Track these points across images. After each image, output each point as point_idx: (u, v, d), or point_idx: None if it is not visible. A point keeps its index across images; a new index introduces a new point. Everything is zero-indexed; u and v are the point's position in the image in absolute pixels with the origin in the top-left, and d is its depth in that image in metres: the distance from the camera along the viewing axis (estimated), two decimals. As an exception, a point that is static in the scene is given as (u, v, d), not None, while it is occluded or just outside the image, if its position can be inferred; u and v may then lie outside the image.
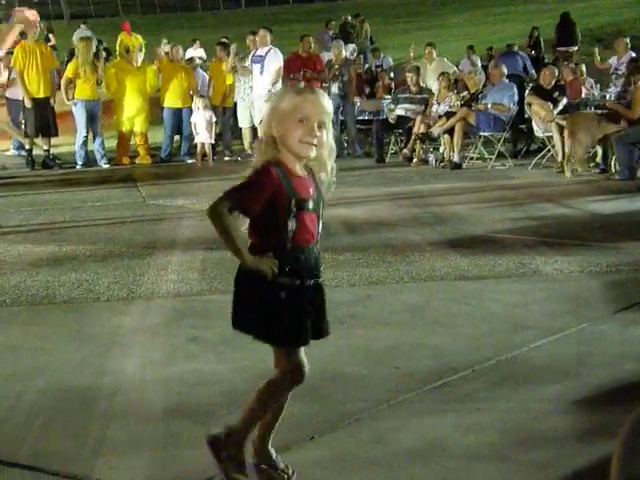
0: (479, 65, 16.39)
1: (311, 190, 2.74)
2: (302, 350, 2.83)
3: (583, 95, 12.72)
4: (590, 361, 4.02)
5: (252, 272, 2.69)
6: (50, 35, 22.48)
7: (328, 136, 2.72)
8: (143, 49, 13.28)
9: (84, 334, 4.69)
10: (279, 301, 2.71)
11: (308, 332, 2.78)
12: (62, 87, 12.82)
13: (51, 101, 12.81)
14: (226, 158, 13.39)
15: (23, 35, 12.63)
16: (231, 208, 2.72)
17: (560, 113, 11.31)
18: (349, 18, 21.75)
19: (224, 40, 14.54)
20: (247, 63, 12.79)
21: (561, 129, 11.00)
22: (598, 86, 13.66)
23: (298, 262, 2.72)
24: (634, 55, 14.25)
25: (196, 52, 19.31)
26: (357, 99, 13.69)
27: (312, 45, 13.56)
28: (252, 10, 40.18)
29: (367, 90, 14.73)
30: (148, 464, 3.08)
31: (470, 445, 3.13)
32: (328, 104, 2.74)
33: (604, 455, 2.98)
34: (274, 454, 2.93)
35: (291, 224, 2.68)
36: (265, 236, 2.73)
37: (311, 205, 2.72)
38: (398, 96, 13.19)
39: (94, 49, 12.96)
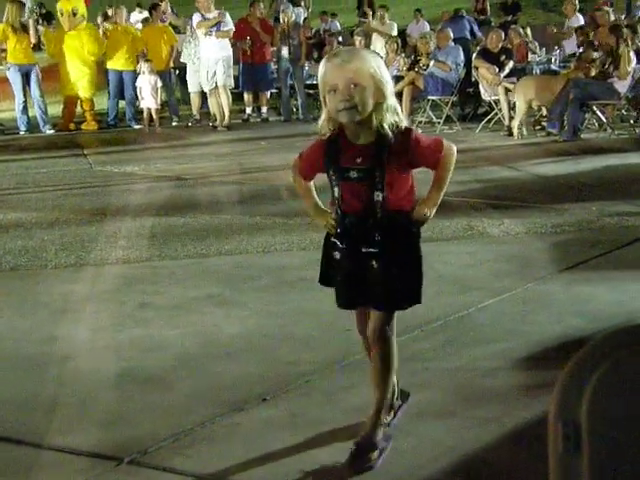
0: (427, 29, 16.41)
1: (359, 160, 2.69)
2: (359, 313, 2.92)
3: (529, 58, 12.84)
4: (535, 319, 4.12)
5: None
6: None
7: (368, 93, 2.62)
8: (79, 12, 12.94)
9: (32, 301, 4.65)
10: (332, 259, 2.84)
11: (349, 297, 2.84)
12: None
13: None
14: (174, 123, 13.26)
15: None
16: (299, 173, 2.91)
17: (507, 76, 11.41)
18: None
19: (159, 2, 14.28)
20: (194, 21, 12.54)
21: (508, 93, 11.11)
22: (544, 49, 13.78)
23: (345, 227, 2.77)
24: (581, 19, 14.39)
25: (140, 16, 18.98)
26: (306, 63, 13.64)
27: (262, 11, 13.45)
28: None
29: (315, 54, 14.68)
30: (100, 429, 3.09)
31: (418, 403, 3.19)
32: (360, 62, 2.64)
33: (546, 408, 3.07)
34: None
35: (336, 191, 2.77)
36: (330, 198, 2.85)
37: (354, 174, 2.70)
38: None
39: (26, 12, 12.62)
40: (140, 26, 14.98)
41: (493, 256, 5.32)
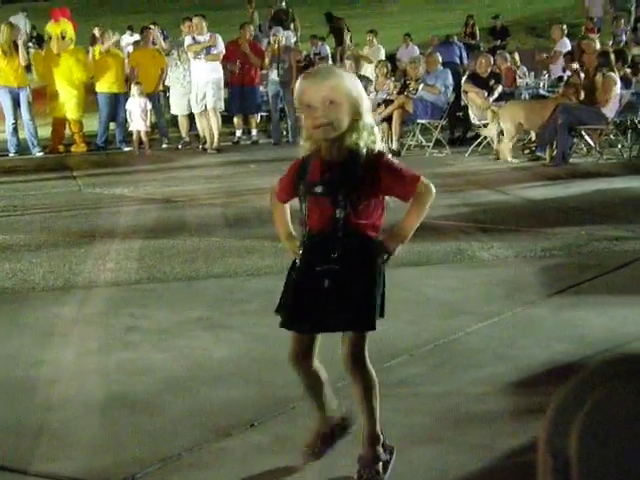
0: (417, 53, 16.52)
1: (326, 175, 2.68)
2: (299, 337, 2.81)
3: (517, 83, 12.92)
4: (525, 344, 4.11)
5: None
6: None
7: (342, 111, 2.61)
8: (68, 35, 12.96)
9: (19, 324, 4.62)
10: (292, 281, 2.80)
11: (294, 316, 2.76)
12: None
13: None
14: (164, 145, 13.26)
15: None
16: (277, 197, 2.92)
17: (496, 101, 11.48)
18: (283, 4, 21.66)
19: (150, 26, 14.33)
20: (186, 43, 12.55)
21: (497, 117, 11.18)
22: (532, 74, 13.88)
23: (307, 246, 2.76)
24: (568, 43, 14.50)
25: (131, 38, 19.04)
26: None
27: (252, 34, 13.52)
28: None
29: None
30: (87, 454, 3.06)
31: (407, 428, 3.18)
32: (337, 80, 2.64)
33: (535, 434, 3.06)
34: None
35: (303, 207, 2.76)
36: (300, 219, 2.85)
37: (319, 189, 2.68)
38: (336, 84, 13.21)
39: (19, 35, 12.62)
40: (131, 49, 15.02)
41: (482, 280, 5.32)
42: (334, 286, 2.68)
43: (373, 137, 2.69)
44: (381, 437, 2.86)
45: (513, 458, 2.92)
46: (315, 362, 2.87)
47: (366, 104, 2.72)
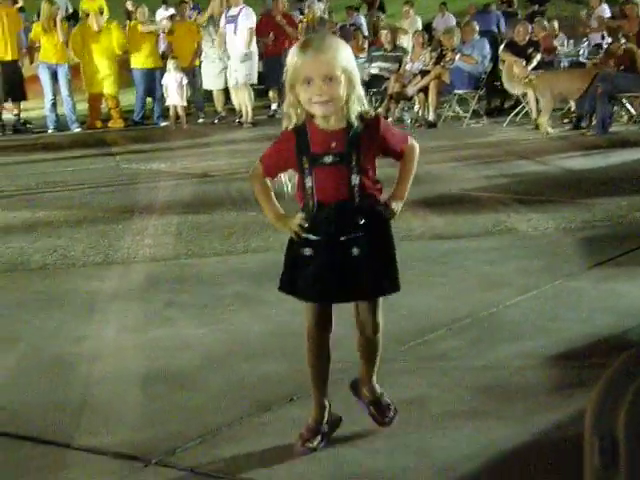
0: (454, 23, 16.31)
1: (333, 144, 2.66)
2: (322, 309, 2.83)
3: (557, 51, 12.71)
4: (565, 317, 4.06)
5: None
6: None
7: (341, 86, 2.61)
8: (104, 11, 13.08)
9: (60, 300, 4.67)
10: (300, 258, 2.75)
11: (324, 289, 2.74)
12: (28, 50, 12.66)
13: (19, 64, 12.62)
14: (200, 120, 13.28)
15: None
16: (264, 173, 2.83)
17: (534, 69, 11.30)
18: None
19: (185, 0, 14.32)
20: (221, 24, 12.58)
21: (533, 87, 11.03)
22: (572, 42, 13.64)
23: (319, 218, 2.71)
24: (607, 9, 14.22)
25: (166, 12, 19.03)
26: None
27: (285, 5, 13.44)
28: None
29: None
30: (127, 429, 3.08)
31: (448, 402, 3.16)
32: (334, 54, 2.62)
33: (580, 408, 3.03)
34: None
35: (309, 181, 2.71)
36: (297, 194, 2.80)
37: (329, 159, 2.66)
38: (372, 54, 13.11)
39: (57, 11, 12.68)
40: (165, 23, 15.02)
41: (521, 252, 5.26)
42: (363, 253, 2.71)
43: (363, 106, 2.71)
44: (311, 444, 2.88)
45: (555, 432, 2.89)
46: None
47: (358, 76, 2.72)
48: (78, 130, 12.66)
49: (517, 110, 11.72)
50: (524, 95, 11.42)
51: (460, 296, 4.46)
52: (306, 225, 2.72)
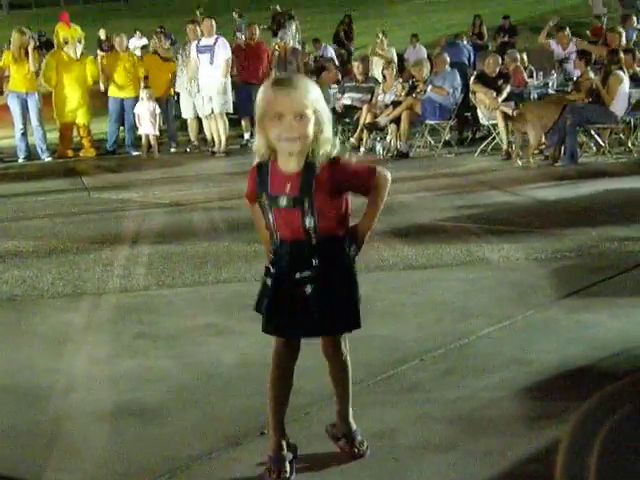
0: (425, 55, 16.49)
1: (287, 187, 2.70)
2: (286, 340, 2.88)
3: (527, 83, 12.85)
4: (537, 347, 4.07)
5: None
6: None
7: (310, 125, 2.64)
8: (82, 40, 13.06)
9: (29, 332, 4.61)
10: (264, 285, 2.83)
11: (278, 323, 2.81)
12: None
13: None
14: (172, 150, 13.25)
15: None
16: (249, 200, 2.91)
17: (504, 101, 11.42)
18: (277, 8, 21.59)
19: (160, 30, 14.37)
20: (192, 54, 12.58)
21: (506, 117, 11.11)
22: (541, 73, 13.81)
23: (279, 254, 2.79)
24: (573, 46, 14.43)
25: (140, 42, 19.08)
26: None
27: (257, 34, 13.50)
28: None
29: (314, 79, 14.71)
30: (97, 464, 3.03)
31: (419, 435, 3.14)
32: (305, 93, 2.64)
33: (552, 440, 3.02)
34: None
35: (270, 218, 2.77)
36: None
37: (284, 202, 2.71)
38: (344, 85, 13.19)
39: (28, 40, 12.61)
40: (139, 52, 15.03)
41: (493, 282, 5.28)
42: (316, 291, 2.73)
43: (331, 147, 2.71)
44: (351, 412, 3.03)
45: (528, 465, 2.88)
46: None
47: (328, 115, 2.71)
48: (49, 159, 12.57)
49: (488, 141, 11.82)
50: (495, 126, 11.53)
51: (432, 327, 4.45)
52: (271, 256, 2.83)
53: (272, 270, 2.81)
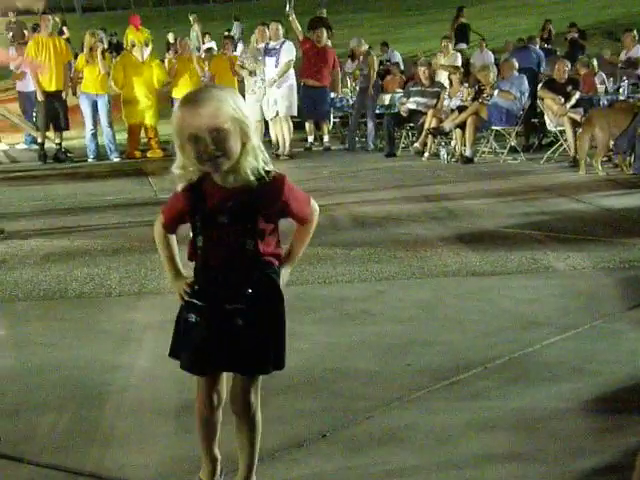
0: (492, 60, 16.33)
1: (229, 203, 2.45)
2: (210, 385, 2.63)
3: (597, 89, 12.64)
4: (604, 358, 4.00)
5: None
6: (64, 28, 22.50)
7: (233, 138, 2.40)
8: (150, 44, 13.29)
9: (96, 329, 4.70)
10: (185, 324, 2.56)
11: (204, 360, 2.55)
12: (72, 80, 12.89)
13: (63, 94, 12.83)
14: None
15: (37, 29, 12.67)
16: (164, 229, 2.65)
17: (573, 107, 11.24)
18: (324, 13, 21.56)
19: (229, 34, 14.53)
20: (259, 56, 12.67)
21: (574, 124, 10.93)
22: (611, 79, 13.56)
23: (206, 282, 2.53)
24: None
25: (206, 45, 19.31)
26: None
27: (324, 37, 13.52)
28: (262, 2, 40.12)
29: (379, 83, 14.68)
30: (158, 460, 3.08)
31: (482, 443, 3.11)
32: (219, 105, 2.38)
33: (617, 453, 2.97)
34: None
35: (199, 240, 2.52)
36: (189, 254, 2.60)
37: (224, 219, 2.46)
38: (410, 90, 13.15)
39: (99, 42, 12.86)
40: (204, 55, 15.24)
41: (558, 291, 5.20)
42: (247, 324, 2.50)
43: (264, 157, 2.50)
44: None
45: (594, 477, 2.83)
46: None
47: (252, 124, 2.48)
48: (117, 160, 12.81)
49: (555, 147, 11.66)
50: (562, 132, 11.36)
51: (496, 334, 4.41)
52: (194, 288, 2.55)
53: (198, 303, 2.52)
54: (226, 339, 2.50)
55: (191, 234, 2.58)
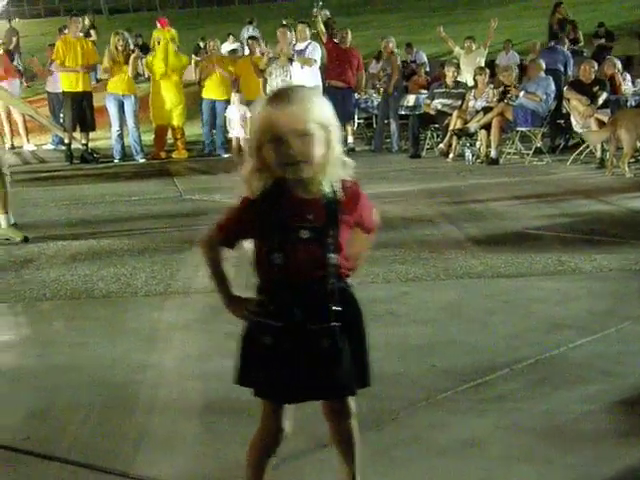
0: (517, 59, 16.26)
1: (310, 216, 2.27)
2: (285, 409, 2.46)
3: (623, 90, 12.55)
4: (631, 361, 3.97)
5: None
6: (91, 31, 22.66)
7: (317, 145, 2.24)
8: (176, 42, 13.30)
9: (122, 329, 4.74)
10: (258, 348, 2.36)
11: (292, 387, 2.36)
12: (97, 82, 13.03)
13: (89, 95, 12.94)
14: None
15: (64, 29, 12.77)
16: (221, 243, 2.43)
17: (600, 108, 11.17)
18: (323, 16, 21.54)
19: (254, 34, 14.57)
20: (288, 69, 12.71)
21: (600, 125, 10.86)
22: (638, 81, 13.46)
23: (287, 301, 2.31)
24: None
25: (231, 47, 19.36)
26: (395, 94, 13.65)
27: (349, 38, 13.53)
28: (286, 3, 40.17)
29: (403, 84, 14.68)
30: (187, 460, 3.10)
31: (508, 446, 3.11)
32: (309, 107, 2.24)
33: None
34: None
35: (276, 257, 2.29)
36: (256, 270, 2.40)
37: (306, 234, 2.27)
38: (435, 91, 13.13)
39: (125, 44, 12.92)
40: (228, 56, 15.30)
41: (585, 293, 5.17)
42: (334, 345, 2.32)
43: (347, 169, 2.33)
44: None
45: (620, 481, 2.82)
46: None
47: (336, 131, 2.30)
48: (143, 160, 12.90)
49: (581, 149, 11.59)
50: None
51: (522, 336, 4.39)
52: (270, 308, 2.34)
53: (274, 324, 2.32)
54: (311, 365, 2.33)
55: (254, 248, 2.37)
